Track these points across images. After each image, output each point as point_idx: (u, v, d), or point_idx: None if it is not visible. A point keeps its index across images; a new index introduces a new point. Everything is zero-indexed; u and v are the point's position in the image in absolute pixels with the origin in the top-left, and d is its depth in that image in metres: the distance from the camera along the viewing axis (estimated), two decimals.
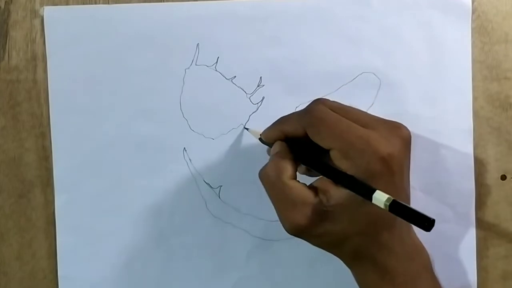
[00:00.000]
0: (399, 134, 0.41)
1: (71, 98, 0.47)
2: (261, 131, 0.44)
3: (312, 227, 0.40)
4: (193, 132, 0.48)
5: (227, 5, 0.47)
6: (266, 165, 0.42)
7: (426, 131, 0.49)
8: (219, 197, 0.48)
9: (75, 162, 0.48)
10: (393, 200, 0.36)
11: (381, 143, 0.39)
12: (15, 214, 0.49)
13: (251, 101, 0.48)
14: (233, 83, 0.48)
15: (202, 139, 0.48)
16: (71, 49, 0.47)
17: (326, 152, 0.40)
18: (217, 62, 0.48)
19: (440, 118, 0.49)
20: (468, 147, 0.49)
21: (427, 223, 0.34)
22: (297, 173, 0.42)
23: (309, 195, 0.40)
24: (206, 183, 0.48)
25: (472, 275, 0.49)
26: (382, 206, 0.36)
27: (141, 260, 0.49)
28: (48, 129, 0.48)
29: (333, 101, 0.42)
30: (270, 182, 0.41)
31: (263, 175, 0.41)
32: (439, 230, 0.49)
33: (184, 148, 0.48)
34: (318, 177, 0.41)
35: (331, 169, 0.40)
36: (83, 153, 0.48)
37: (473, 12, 0.48)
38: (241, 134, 0.48)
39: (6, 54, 0.48)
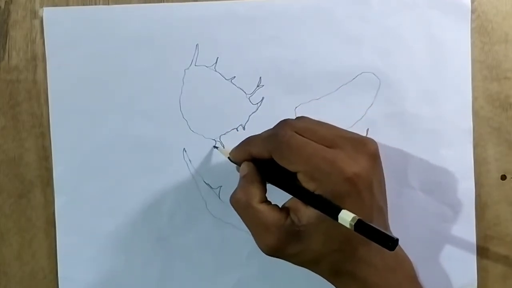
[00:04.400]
0: (365, 151, 0.41)
1: (71, 99, 0.47)
2: (229, 150, 0.45)
3: (287, 248, 0.40)
4: (193, 133, 0.48)
5: (227, 6, 0.47)
6: (235, 190, 0.42)
7: (426, 131, 0.49)
8: (219, 198, 0.48)
9: (75, 162, 0.48)
10: (358, 220, 0.36)
11: (346, 163, 0.39)
12: (15, 214, 0.49)
13: (250, 101, 0.48)
14: (233, 83, 0.48)
15: (202, 140, 0.48)
16: (71, 50, 0.47)
17: (294, 173, 0.40)
18: (216, 62, 0.48)
19: (440, 118, 0.48)
20: (468, 147, 0.49)
21: (390, 243, 0.35)
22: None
23: (280, 217, 0.40)
24: (206, 183, 0.48)
25: (472, 275, 0.49)
26: (347, 225, 0.36)
27: (141, 260, 0.49)
28: (48, 129, 0.48)
29: (300, 122, 0.42)
30: (241, 208, 0.41)
31: (234, 201, 0.42)
32: (439, 230, 0.49)
33: (184, 148, 0.48)
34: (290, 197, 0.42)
35: (298, 189, 0.40)
36: (83, 154, 0.48)
37: (473, 12, 0.48)
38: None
39: (6, 54, 0.48)
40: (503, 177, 0.49)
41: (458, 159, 0.49)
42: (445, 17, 0.48)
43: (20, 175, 0.48)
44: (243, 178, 0.42)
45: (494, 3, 0.48)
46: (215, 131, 0.48)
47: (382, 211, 0.42)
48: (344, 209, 0.37)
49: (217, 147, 0.48)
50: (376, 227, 0.35)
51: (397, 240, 0.35)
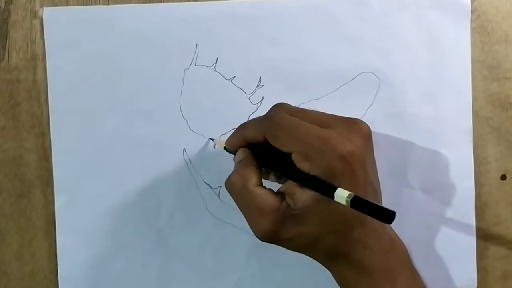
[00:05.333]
0: (358, 130, 0.41)
1: (71, 99, 0.47)
2: (225, 141, 0.45)
3: (283, 232, 0.40)
4: (193, 133, 0.48)
5: (227, 6, 0.47)
6: (230, 174, 0.42)
7: (426, 131, 0.49)
8: (219, 197, 0.49)
9: (75, 162, 0.48)
10: (354, 196, 0.36)
11: (340, 141, 0.39)
12: (15, 214, 0.49)
13: (250, 101, 0.48)
14: (233, 83, 0.48)
15: (202, 140, 0.48)
16: (71, 50, 0.47)
17: (289, 155, 0.40)
18: (216, 62, 0.48)
19: (440, 118, 0.49)
20: (468, 147, 0.49)
21: (388, 216, 0.35)
22: (270, 181, 0.43)
23: (276, 201, 0.40)
24: (206, 183, 0.48)
25: (472, 275, 0.49)
26: (344, 203, 0.36)
27: (141, 260, 0.49)
28: (48, 129, 0.48)
29: (292, 106, 0.42)
30: (236, 191, 0.41)
31: (229, 184, 0.42)
32: (439, 230, 0.49)
33: (184, 148, 0.48)
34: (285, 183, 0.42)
35: (293, 171, 0.40)
36: (83, 153, 0.48)
37: (473, 12, 0.48)
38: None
39: (6, 54, 0.48)
40: (503, 177, 0.49)
41: (458, 159, 0.49)
42: (445, 17, 0.48)
43: (20, 175, 0.48)
44: (238, 163, 0.42)
45: (494, 3, 0.48)
46: (215, 131, 0.48)
47: (376, 191, 0.42)
48: (339, 187, 0.37)
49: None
50: (373, 202, 0.35)
51: (394, 213, 0.34)
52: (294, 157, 0.39)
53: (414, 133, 0.49)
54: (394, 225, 0.43)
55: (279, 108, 0.42)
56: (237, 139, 0.43)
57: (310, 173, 0.39)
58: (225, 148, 0.45)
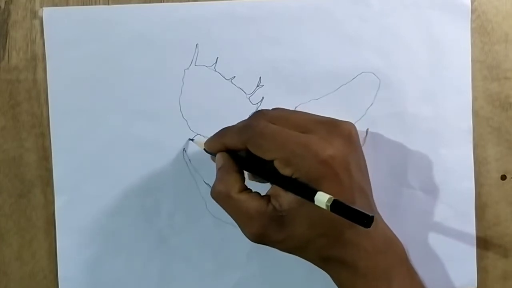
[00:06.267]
0: (339, 132, 0.41)
1: (71, 99, 0.47)
2: (204, 141, 0.45)
3: (272, 234, 0.40)
4: (193, 133, 0.48)
5: (226, 6, 0.47)
6: (214, 183, 0.42)
7: (426, 131, 0.49)
8: None
9: (75, 162, 0.48)
10: (334, 200, 0.36)
11: (320, 146, 0.39)
12: (15, 214, 0.49)
13: (250, 101, 0.48)
14: (233, 83, 0.48)
15: (201, 140, 0.48)
16: (71, 50, 0.47)
17: (270, 161, 0.40)
18: (216, 62, 0.48)
19: (439, 118, 0.49)
20: (468, 147, 0.49)
21: (366, 220, 0.34)
22: (259, 182, 0.43)
23: (261, 204, 0.40)
24: (206, 183, 0.48)
25: (472, 275, 0.49)
26: (324, 207, 0.36)
27: (141, 260, 0.49)
28: (48, 129, 0.48)
29: (273, 111, 0.42)
30: (222, 200, 0.42)
31: (214, 194, 0.42)
32: (439, 230, 0.49)
33: (184, 148, 0.48)
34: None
35: (275, 176, 0.40)
36: (83, 153, 0.48)
37: (473, 12, 0.48)
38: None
39: (6, 54, 0.48)
40: (503, 177, 0.49)
41: (458, 159, 0.49)
42: (445, 17, 0.48)
43: (20, 175, 0.48)
44: (219, 170, 0.42)
45: (494, 3, 0.48)
46: (215, 131, 0.48)
47: (365, 192, 0.41)
48: (320, 191, 0.37)
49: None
50: (350, 206, 0.35)
51: (372, 217, 0.34)
52: (276, 164, 0.40)
53: (414, 133, 0.49)
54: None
55: (259, 116, 0.42)
56: (216, 144, 0.43)
57: (292, 177, 0.39)
58: (204, 149, 0.45)
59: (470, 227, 0.49)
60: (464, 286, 0.49)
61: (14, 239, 0.49)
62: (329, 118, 0.42)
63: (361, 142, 0.48)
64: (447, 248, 0.49)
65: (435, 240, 0.49)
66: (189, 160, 0.48)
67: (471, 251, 0.49)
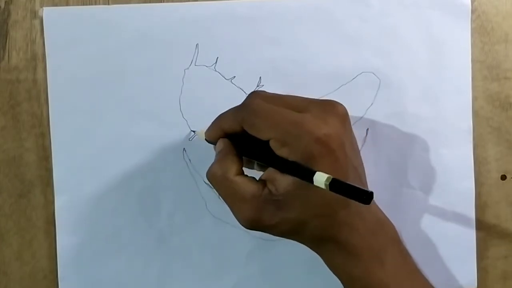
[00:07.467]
0: (334, 112, 0.41)
1: (71, 99, 0.47)
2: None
3: (266, 218, 0.40)
4: (193, 133, 0.48)
5: (226, 5, 0.47)
6: (211, 165, 0.42)
7: (426, 131, 0.49)
8: (219, 198, 0.48)
9: (75, 162, 0.48)
10: (332, 179, 0.36)
11: (315, 124, 0.39)
12: (15, 214, 0.49)
13: None
14: (233, 83, 0.48)
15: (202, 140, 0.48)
16: (71, 50, 0.47)
17: (267, 142, 0.40)
18: (216, 62, 0.48)
19: (439, 118, 0.49)
20: (468, 147, 0.49)
21: (365, 197, 0.34)
22: (255, 170, 0.43)
23: (257, 188, 0.40)
24: (206, 183, 0.48)
25: (472, 275, 0.49)
26: (323, 186, 0.36)
27: (141, 260, 0.49)
28: (48, 129, 0.48)
29: (268, 92, 0.42)
30: (217, 181, 0.41)
31: (210, 175, 0.42)
32: (439, 230, 0.49)
33: (184, 148, 0.48)
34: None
35: (272, 158, 0.40)
36: (83, 153, 0.48)
37: (473, 12, 0.48)
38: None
39: (6, 54, 0.48)
40: (503, 177, 0.49)
41: (458, 159, 0.49)
42: (445, 17, 0.48)
43: (20, 175, 0.48)
44: (218, 153, 0.42)
45: (494, 3, 0.48)
46: None
47: (358, 171, 0.42)
48: (318, 171, 0.37)
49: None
50: (350, 183, 0.35)
51: (371, 193, 0.34)
52: (272, 144, 0.39)
53: (414, 133, 0.49)
54: (394, 224, 0.43)
55: (254, 96, 0.41)
56: (215, 131, 0.43)
57: (289, 159, 0.39)
58: (206, 139, 0.45)
59: (470, 227, 0.49)
60: (464, 286, 0.49)
61: (14, 239, 0.49)
62: (323, 99, 0.42)
63: (361, 142, 0.48)
64: (447, 248, 0.49)
65: (435, 240, 0.49)
66: (189, 160, 0.48)
67: (471, 251, 0.49)
